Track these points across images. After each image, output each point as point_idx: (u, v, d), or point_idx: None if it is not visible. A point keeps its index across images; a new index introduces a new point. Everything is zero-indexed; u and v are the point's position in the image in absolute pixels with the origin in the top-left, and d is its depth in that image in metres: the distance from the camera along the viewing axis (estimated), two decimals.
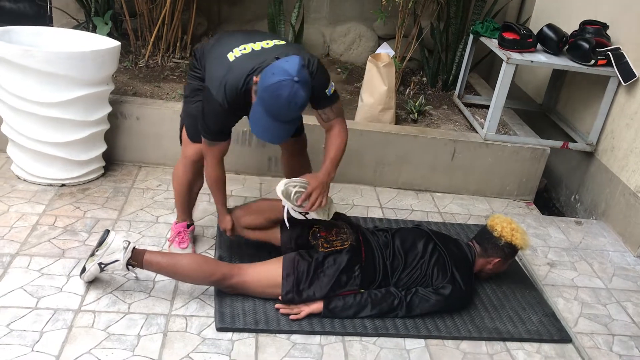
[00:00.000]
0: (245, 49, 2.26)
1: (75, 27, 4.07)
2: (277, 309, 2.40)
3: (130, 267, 2.34)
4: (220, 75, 2.22)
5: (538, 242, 3.23)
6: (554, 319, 2.62)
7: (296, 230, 2.51)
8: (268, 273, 2.42)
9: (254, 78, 2.14)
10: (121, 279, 2.47)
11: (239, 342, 2.25)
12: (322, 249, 2.44)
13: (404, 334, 2.40)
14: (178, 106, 3.41)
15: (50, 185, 3.07)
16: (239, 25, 4.68)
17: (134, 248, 2.34)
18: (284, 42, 2.34)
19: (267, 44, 2.29)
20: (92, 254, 2.35)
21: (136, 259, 2.33)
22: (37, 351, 2.07)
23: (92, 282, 2.42)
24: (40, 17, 3.86)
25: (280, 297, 2.40)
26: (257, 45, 2.28)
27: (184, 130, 2.59)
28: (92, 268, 2.34)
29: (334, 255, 2.42)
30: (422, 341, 2.40)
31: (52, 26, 3.94)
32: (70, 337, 2.15)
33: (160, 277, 2.51)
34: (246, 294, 2.43)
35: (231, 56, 2.26)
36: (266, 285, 2.41)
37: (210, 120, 2.29)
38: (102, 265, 2.33)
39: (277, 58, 2.15)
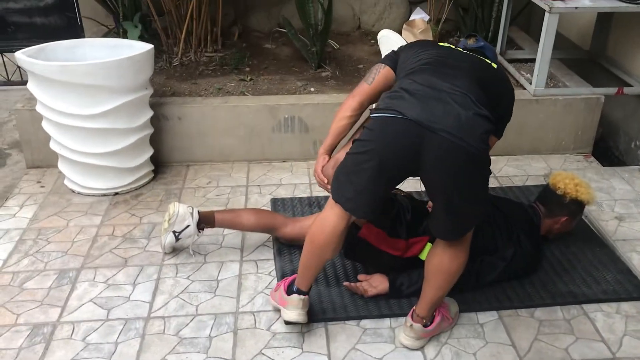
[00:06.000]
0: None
1: (106, 34, 4.09)
2: (344, 291, 2.39)
3: (201, 230, 2.55)
4: None
5: (602, 195, 3.09)
6: (630, 276, 2.51)
7: None
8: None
9: None
10: (185, 282, 2.49)
11: (309, 333, 2.23)
12: None
13: (475, 308, 2.34)
14: (217, 101, 3.40)
15: (104, 195, 3.11)
16: (267, 10, 4.60)
17: (199, 212, 2.53)
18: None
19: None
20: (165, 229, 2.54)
21: (206, 220, 2.53)
22: None
23: (157, 288, 2.45)
24: (72, 27, 3.92)
25: None
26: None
27: None
28: (168, 238, 2.54)
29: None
30: (494, 313, 2.33)
31: (84, 36, 3.95)
32: (144, 345, 2.18)
33: (222, 275, 2.53)
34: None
35: None
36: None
37: None
38: (176, 234, 2.52)
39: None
